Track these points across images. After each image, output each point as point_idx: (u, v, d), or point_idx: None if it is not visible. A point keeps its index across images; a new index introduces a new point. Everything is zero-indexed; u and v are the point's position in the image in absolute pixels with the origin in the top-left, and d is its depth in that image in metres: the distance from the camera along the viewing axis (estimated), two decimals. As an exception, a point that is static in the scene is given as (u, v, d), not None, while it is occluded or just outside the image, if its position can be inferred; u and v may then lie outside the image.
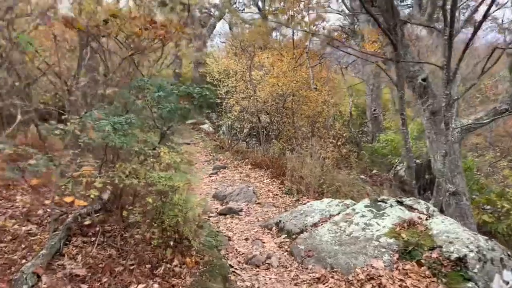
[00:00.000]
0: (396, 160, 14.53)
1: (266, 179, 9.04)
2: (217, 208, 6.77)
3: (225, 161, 11.48)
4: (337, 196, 7.18)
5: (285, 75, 11.73)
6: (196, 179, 4.90)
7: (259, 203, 7.04)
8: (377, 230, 4.65)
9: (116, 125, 3.62)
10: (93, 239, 3.66)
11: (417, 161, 12.18)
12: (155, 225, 3.78)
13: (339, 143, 13.50)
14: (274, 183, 8.65)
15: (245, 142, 16.07)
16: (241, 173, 9.73)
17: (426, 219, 4.72)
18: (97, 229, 3.79)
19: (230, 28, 28.55)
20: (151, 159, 4.08)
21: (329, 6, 21.74)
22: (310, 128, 12.62)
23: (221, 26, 28.18)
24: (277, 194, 7.65)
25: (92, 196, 3.33)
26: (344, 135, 15.91)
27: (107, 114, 3.84)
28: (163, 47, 5.11)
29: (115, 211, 4.05)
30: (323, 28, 18.50)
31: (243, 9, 23.53)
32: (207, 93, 4.74)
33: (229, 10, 18.00)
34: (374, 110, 19.86)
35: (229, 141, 14.05)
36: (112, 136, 3.51)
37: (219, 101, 14.27)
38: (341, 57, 28.71)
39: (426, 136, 8.95)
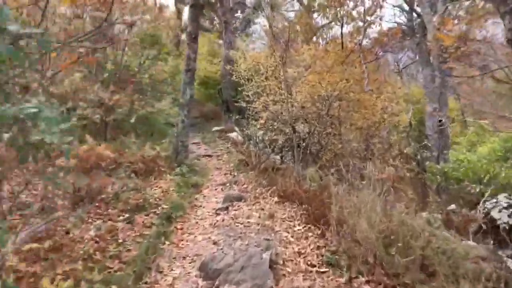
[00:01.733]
0: (478, 189, 10.88)
1: (298, 226, 5.94)
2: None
3: (245, 186, 8.47)
4: (423, 280, 3.96)
5: (331, 72, 8.59)
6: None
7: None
8: None
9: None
10: None
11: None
12: None
13: (399, 163, 10.17)
14: (311, 235, 5.54)
15: (279, 156, 13.05)
16: (262, 209, 6.68)
17: None
18: None
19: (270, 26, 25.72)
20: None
21: (384, 0, 18.33)
22: (364, 144, 9.40)
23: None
24: (313, 265, 4.54)
25: None
26: (405, 151, 12.52)
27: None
28: None
29: None
30: (380, 19, 15.15)
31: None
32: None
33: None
34: (440, 120, 16.14)
35: (256, 156, 11.04)
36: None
37: (245, 104, 11.33)
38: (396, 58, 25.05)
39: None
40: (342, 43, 13.14)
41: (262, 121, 9.05)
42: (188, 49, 9.63)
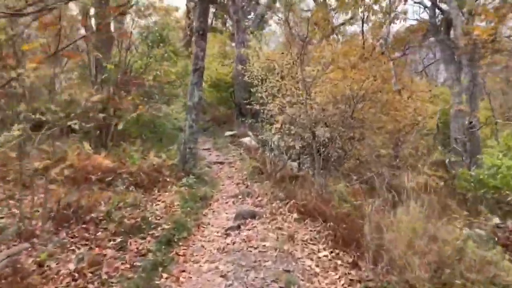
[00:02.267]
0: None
1: (324, 250, 4.95)
2: None
3: (259, 199, 7.50)
4: None
5: (355, 69, 7.58)
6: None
7: None
8: None
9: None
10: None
11: None
12: None
13: (430, 170, 9.12)
14: (340, 263, 4.54)
15: (296, 163, 12.05)
16: (280, 229, 5.70)
17: None
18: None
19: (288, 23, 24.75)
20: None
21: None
22: (394, 150, 8.36)
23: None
24: (346, 309, 3.56)
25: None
26: (435, 158, 11.43)
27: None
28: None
29: None
30: (404, 13, 14.06)
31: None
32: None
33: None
34: (471, 122, 14.90)
35: (271, 164, 10.07)
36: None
37: (258, 107, 10.38)
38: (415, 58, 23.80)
39: None
40: (363, 39, 12.12)
41: (277, 125, 8.08)
42: (196, 46, 8.74)
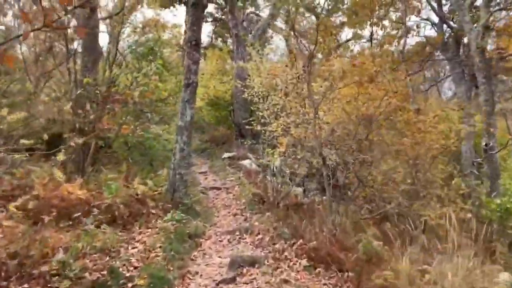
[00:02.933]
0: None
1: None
2: None
3: (260, 237, 6.28)
4: None
5: (372, 83, 6.49)
6: None
7: None
8: None
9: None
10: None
11: None
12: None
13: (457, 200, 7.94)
14: None
15: (301, 189, 10.87)
16: (287, 282, 4.50)
17: None
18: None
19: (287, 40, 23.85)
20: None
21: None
22: (413, 176, 7.18)
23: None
24: None
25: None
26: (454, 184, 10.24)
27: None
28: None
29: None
30: (417, 27, 13.10)
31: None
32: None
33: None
34: (487, 144, 13.78)
35: (273, 190, 8.89)
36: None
37: (259, 128, 9.26)
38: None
39: None
40: (372, 55, 11.11)
41: (282, 149, 6.92)
42: (187, 59, 7.67)
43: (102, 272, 4.14)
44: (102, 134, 8.00)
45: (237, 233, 6.66)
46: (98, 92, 7.30)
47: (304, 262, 5.06)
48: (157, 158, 10.46)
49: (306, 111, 7.24)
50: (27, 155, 10.43)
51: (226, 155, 14.95)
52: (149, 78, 9.20)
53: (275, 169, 9.44)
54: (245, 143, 14.89)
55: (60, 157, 7.19)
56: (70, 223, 5.46)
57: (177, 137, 7.93)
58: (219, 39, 24.90)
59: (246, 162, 13.70)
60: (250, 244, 6.05)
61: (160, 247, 5.36)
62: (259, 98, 9.39)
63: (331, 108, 6.84)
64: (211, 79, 16.06)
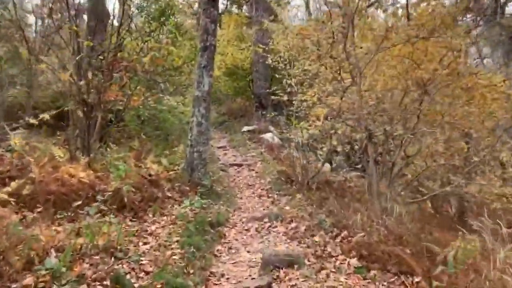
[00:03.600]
0: None
1: None
2: None
3: (294, 225, 5.31)
4: None
5: (429, 42, 5.30)
6: None
7: None
8: None
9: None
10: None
11: None
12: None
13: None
14: None
15: (329, 164, 9.84)
16: (338, 292, 3.55)
17: None
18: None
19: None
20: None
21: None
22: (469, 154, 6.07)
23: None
24: None
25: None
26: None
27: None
28: None
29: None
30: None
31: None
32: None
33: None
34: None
35: (302, 170, 7.88)
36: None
37: (286, 98, 8.19)
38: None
39: None
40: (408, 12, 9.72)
41: (318, 122, 5.82)
42: (204, 16, 6.55)
43: (104, 283, 3.24)
44: (109, 107, 7.06)
45: (266, 219, 5.70)
46: (102, 58, 6.29)
47: (354, 261, 4.08)
48: (172, 133, 9.52)
49: (344, 77, 6.11)
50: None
51: (245, 128, 13.93)
52: (161, 43, 8.14)
53: (301, 144, 8.39)
54: (266, 115, 13.83)
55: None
56: (69, 214, 4.57)
57: (194, 110, 6.92)
58: (234, 6, 23.45)
59: (267, 136, 12.69)
60: (283, 235, 5.10)
61: (177, 241, 4.44)
62: (285, 64, 8.24)
63: (377, 72, 5.68)
64: (228, 46, 14.85)
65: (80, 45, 6.89)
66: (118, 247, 3.92)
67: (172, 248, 4.25)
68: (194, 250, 4.27)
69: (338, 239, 4.69)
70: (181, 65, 10.10)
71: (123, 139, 9.58)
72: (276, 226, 5.45)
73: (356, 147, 7.92)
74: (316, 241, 4.67)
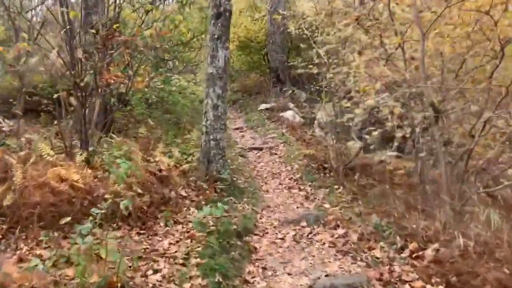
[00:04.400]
0: None
1: None
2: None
3: (342, 232, 4.22)
4: None
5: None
6: None
7: None
8: None
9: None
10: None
11: None
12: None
13: None
14: None
15: (359, 139, 8.64)
16: None
17: None
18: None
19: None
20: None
21: None
22: None
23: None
24: None
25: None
26: None
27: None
28: None
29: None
30: None
31: None
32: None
33: None
34: None
35: (337, 154, 6.76)
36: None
37: (315, 71, 6.99)
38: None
39: None
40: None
41: (370, 101, 4.61)
42: (216, -26, 5.35)
43: None
44: (109, 91, 5.98)
45: (303, 223, 4.62)
46: (94, 32, 5.14)
47: (441, 290, 2.99)
48: (183, 116, 8.41)
49: (395, 42, 4.87)
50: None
51: (263, 106, 12.74)
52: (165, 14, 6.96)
53: (335, 124, 7.22)
54: (285, 91, 12.63)
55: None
56: (56, 234, 3.55)
57: (208, 90, 5.78)
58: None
59: (288, 114, 11.51)
60: (330, 246, 4.01)
61: (197, 265, 3.40)
62: (312, 31, 7.01)
63: (440, 34, 4.42)
64: (241, 17, 13.51)
65: (71, 19, 5.76)
66: (119, 284, 2.89)
67: (191, 277, 3.21)
68: (220, 278, 3.22)
69: (405, 253, 3.59)
70: (190, 39, 8.89)
71: (131, 124, 8.57)
72: (318, 233, 4.36)
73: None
74: (377, 258, 3.58)
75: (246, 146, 9.41)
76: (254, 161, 8.38)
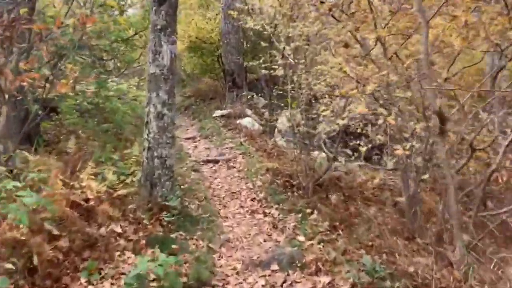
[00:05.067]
0: None
1: None
2: None
3: (327, 281, 3.23)
4: None
5: None
6: None
7: None
8: None
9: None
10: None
11: None
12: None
13: None
14: None
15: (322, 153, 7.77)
16: None
17: None
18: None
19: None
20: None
21: None
22: None
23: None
24: None
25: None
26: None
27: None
28: None
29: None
30: None
31: None
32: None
33: None
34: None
35: (306, 168, 5.79)
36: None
37: (279, 73, 5.99)
38: None
39: None
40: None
41: (360, 107, 3.56)
42: None
43: None
44: (22, 96, 4.64)
45: (275, 266, 3.56)
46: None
47: None
48: (124, 127, 7.12)
49: (379, 34, 3.96)
50: None
51: (218, 113, 11.60)
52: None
53: (301, 132, 6.25)
54: (242, 96, 11.61)
55: None
56: None
57: (150, 95, 4.60)
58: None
59: (246, 122, 10.47)
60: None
61: None
62: (274, 26, 6.03)
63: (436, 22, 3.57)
64: (192, 15, 12.33)
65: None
66: None
67: None
68: None
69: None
70: (131, 36, 7.63)
71: (63, 136, 7.17)
72: (295, 282, 3.31)
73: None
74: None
75: (200, 159, 8.23)
76: (210, 176, 7.24)
